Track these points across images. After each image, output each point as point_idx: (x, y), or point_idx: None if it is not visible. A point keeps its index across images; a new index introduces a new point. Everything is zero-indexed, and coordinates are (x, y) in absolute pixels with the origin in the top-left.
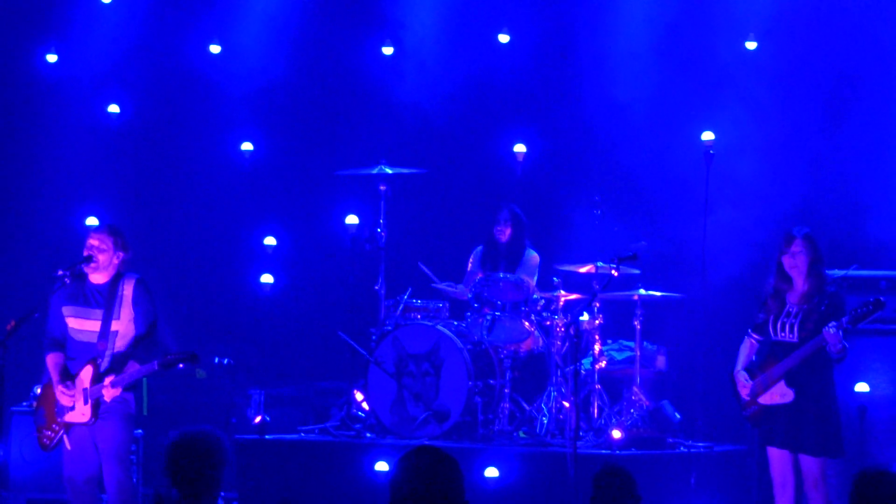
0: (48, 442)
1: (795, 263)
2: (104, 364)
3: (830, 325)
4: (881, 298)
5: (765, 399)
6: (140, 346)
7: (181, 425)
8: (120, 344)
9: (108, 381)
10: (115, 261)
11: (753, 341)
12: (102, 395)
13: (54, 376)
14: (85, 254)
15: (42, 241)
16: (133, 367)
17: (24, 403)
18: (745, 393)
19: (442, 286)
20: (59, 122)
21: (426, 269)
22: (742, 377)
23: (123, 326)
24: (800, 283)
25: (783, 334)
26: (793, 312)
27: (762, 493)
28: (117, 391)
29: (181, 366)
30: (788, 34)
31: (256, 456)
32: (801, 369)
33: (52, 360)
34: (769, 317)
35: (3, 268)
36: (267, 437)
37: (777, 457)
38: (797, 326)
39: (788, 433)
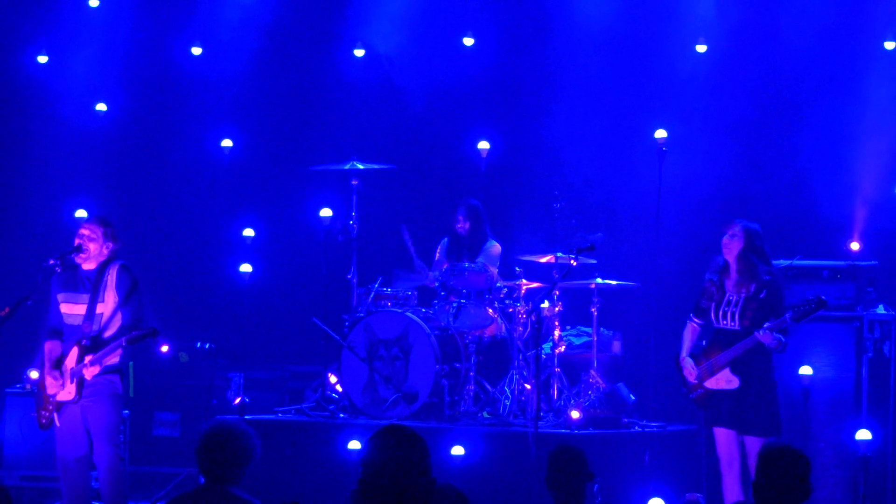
0: (44, 421)
1: (729, 244)
2: (87, 344)
3: (765, 326)
4: (822, 297)
5: (711, 384)
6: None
7: (165, 406)
8: (106, 326)
9: (87, 359)
10: (105, 250)
11: (696, 325)
12: (83, 374)
13: (47, 363)
14: (76, 243)
15: (34, 232)
16: (107, 346)
17: (18, 386)
18: (691, 377)
19: (415, 260)
20: (49, 119)
21: (407, 237)
22: (688, 363)
23: (108, 309)
24: (734, 266)
25: (725, 322)
26: (732, 301)
27: (710, 469)
28: (96, 369)
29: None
30: (736, 38)
31: None
32: (744, 358)
33: (47, 348)
34: (710, 304)
35: None
36: (246, 417)
37: (724, 436)
38: (738, 315)
39: (733, 416)
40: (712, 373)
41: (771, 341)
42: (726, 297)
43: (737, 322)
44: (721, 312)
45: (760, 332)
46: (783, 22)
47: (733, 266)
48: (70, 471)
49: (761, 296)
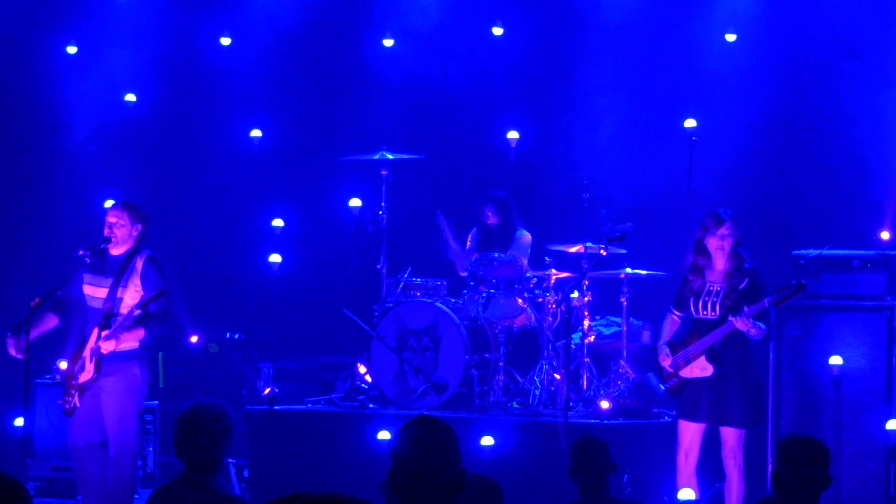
0: (68, 407)
1: (723, 245)
2: (102, 322)
3: (742, 312)
4: (803, 281)
5: (685, 372)
6: (147, 309)
7: (195, 397)
8: (126, 311)
9: (103, 334)
10: (135, 233)
11: (675, 318)
12: (101, 350)
13: (34, 330)
14: (105, 233)
15: (63, 223)
16: (124, 321)
17: (48, 376)
18: (667, 364)
19: (451, 243)
20: (78, 110)
21: (443, 222)
22: (664, 350)
23: (130, 296)
24: (721, 262)
25: (705, 312)
26: (713, 291)
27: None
28: (111, 343)
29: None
30: (766, 26)
31: (266, 426)
32: (721, 345)
33: (45, 317)
34: (690, 295)
35: (27, 249)
36: (276, 407)
37: (692, 428)
38: (718, 304)
39: (712, 407)
40: (688, 361)
41: (748, 328)
42: (707, 288)
43: (717, 312)
44: (701, 303)
45: (736, 317)
46: (813, 8)
47: (724, 261)
48: (81, 458)
49: (743, 285)
